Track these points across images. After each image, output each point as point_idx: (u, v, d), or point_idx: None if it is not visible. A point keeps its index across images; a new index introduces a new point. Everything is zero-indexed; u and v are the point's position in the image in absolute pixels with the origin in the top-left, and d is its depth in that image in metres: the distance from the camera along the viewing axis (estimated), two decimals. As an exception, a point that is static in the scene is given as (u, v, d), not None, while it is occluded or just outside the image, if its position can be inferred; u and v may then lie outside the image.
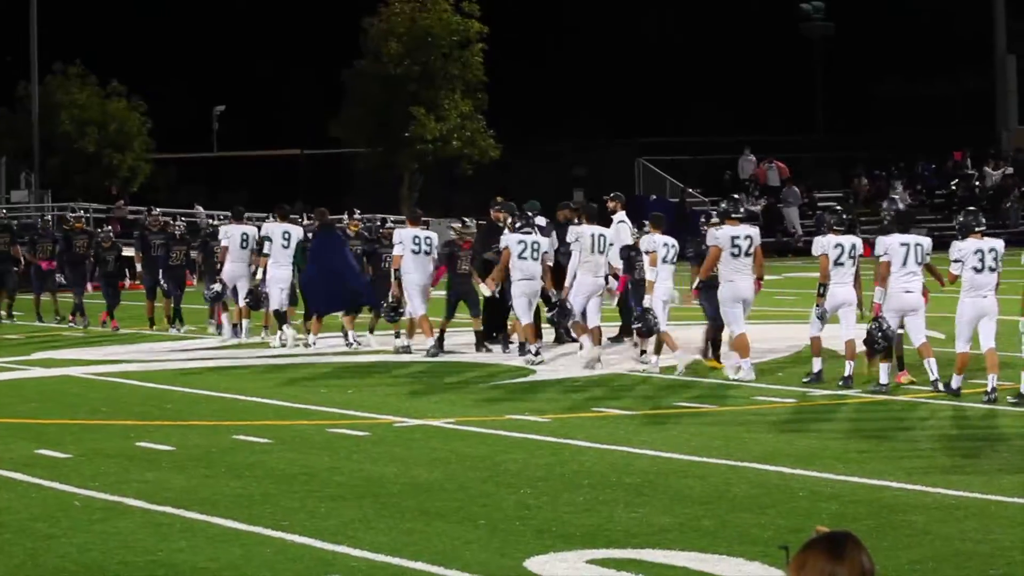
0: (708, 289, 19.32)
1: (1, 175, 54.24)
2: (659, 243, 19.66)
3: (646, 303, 19.47)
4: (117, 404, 17.57)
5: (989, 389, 16.24)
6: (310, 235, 24.42)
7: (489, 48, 53.89)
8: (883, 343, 16.95)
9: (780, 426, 15.23)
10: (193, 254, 28.47)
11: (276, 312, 24.01)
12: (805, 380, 18.07)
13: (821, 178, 55.92)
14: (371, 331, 23.71)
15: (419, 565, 9.49)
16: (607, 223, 22.38)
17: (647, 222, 20.49)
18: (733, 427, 15.03)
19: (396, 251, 22.32)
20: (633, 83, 64.82)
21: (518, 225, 21.44)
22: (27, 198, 52.66)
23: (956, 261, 16.56)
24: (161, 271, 26.92)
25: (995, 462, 12.97)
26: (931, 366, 16.98)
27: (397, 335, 22.91)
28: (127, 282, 30.23)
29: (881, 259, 17.14)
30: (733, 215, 19.15)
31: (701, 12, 65.73)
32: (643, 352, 20.38)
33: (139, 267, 28.77)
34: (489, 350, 22.29)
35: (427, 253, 22.35)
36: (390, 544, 10.02)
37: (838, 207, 20.91)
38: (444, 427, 15.25)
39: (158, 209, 31.39)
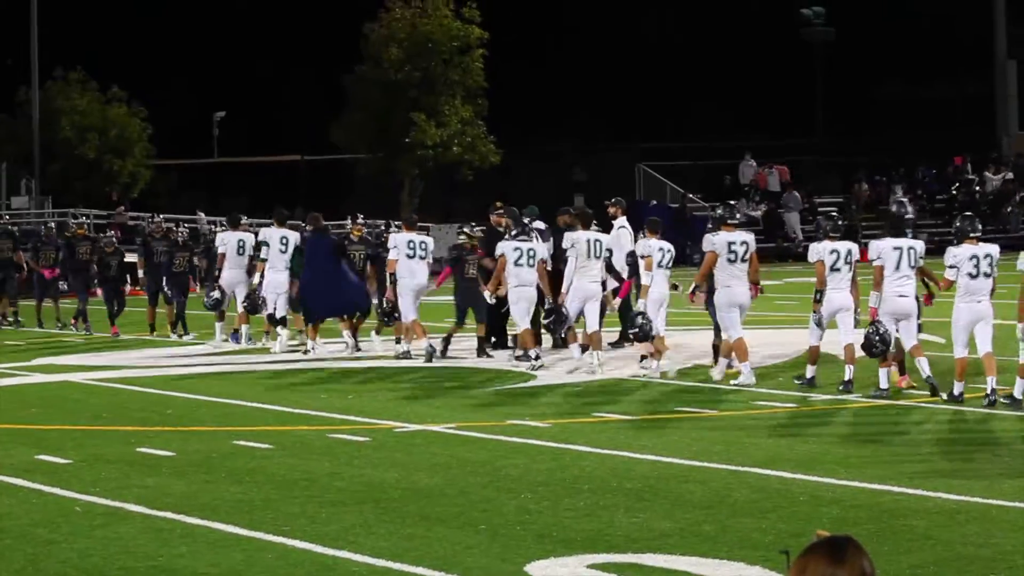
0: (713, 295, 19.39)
1: (1, 181, 54.29)
2: (654, 247, 19.75)
3: (640, 307, 19.55)
4: (118, 410, 17.57)
5: (988, 391, 16.26)
6: (299, 239, 24.40)
7: (489, 54, 53.94)
8: (881, 347, 16.98)
9: (780, 431, 15.23)
10: (196, 260, 28.48)
11: (270, 316, 24.12)
12: (796, 382, 18.12)
13: (821, 183, 55.95)
14: (377, 332, 23.74)
15: (420, 570, 9.49)
16: (608, 229, 22.42)
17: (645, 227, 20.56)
18: (733, 432, 15.03)
19: (391, 255, 22.38)
20: (633, 88, 64.88)
21: (514, 232, 21.50)
22: (27, 204, 52.71)
23: (951, 267, 16.59)
24: (164, 278, 26.94)
25: (996, 466, 12.97)
26: (922, 365, 17.11)
27: (398, 340, 22.92)
28: (127, 287, 30.20)
29: (875, 263, 17.22)
30: (729, 221, 19.25)
31: (701, 17, 65.80)
32: (643, 357, 20.38)
33: (141, 273, 28.78)
34: (490, 355, 22.29)
35: (422, 258, 22.42)
36: (391, 549, 10.01)
37: (834, 213, 20.93)
38: (445, 432, 15.25)
39: (161, 216, 31.41)
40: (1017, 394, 16.10)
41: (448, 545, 10.13)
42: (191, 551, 10.10)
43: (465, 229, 23.96)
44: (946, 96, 64.25)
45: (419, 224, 25.09)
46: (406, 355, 22.23)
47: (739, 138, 57.38)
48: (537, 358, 20.58)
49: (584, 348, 20.84)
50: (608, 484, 12.18)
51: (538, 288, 21.02)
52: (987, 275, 16.53)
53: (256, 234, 25.23)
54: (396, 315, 22.40)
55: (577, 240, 20.48)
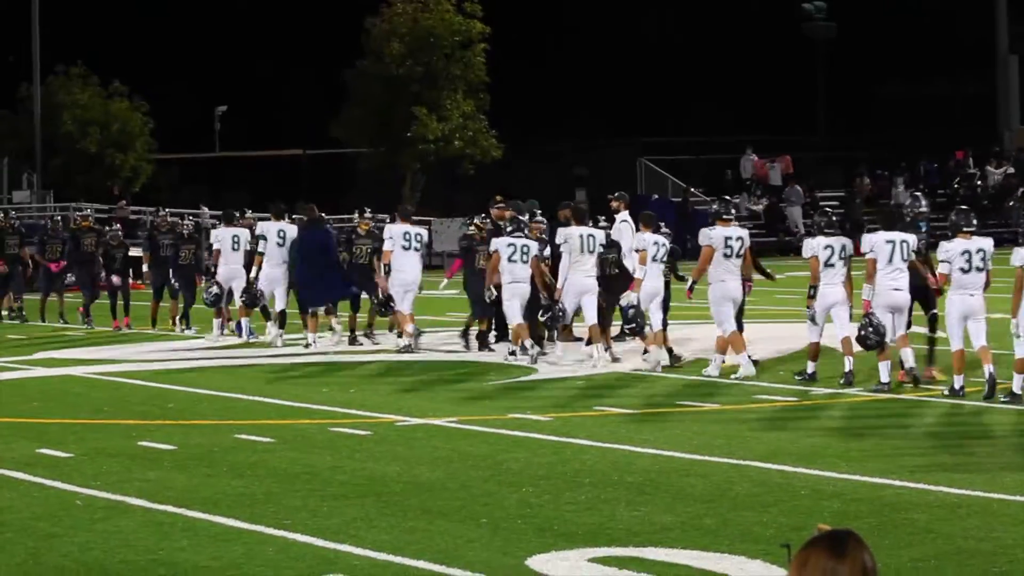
0: None
1: (3, 175, 54.25)
2: (649, 241, 19.84)
3: (633, 300, 19.61)
4: (119, 403, 17.58)
5: (987, 377, 16.26)
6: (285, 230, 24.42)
7: (491, 48, 53.89)
8: (875, 338, 17.02)
9: (782, 424, 15.23)
10: (203, 254, 28.47)
11: (263, 308, 24.18)
12: (797, 377, 18.15)
13: (823, 178, 55.89)
14: (390, 330, 23.74)
15: (421, 564, 9.49)
16: (611, 223, 22.47)
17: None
18: (735, 425, 15.03)
19: (386, 246, 22.41)
20: (635, 83, 64.79)
21: (509, 228, 21.54)
22: (29, 199, 52.68)
23: (943, 262, 16.62)
24: (171, 270, 26.94)
25: (997, 460, 12.97)
26: (907, 355, 17.27)
27: (399, 334, 22.91)
28: (130, 280, 30.14)
29: (868, 256, 17.28)
30: (724, 216, 19.33)
31: (702, 12, 65.69)
32: (646, 351, 20.39)
33: (146, 267, 28.76)
34: (492, 349, 22.29)
35: (417, 250, 22.46)
36: (392, 543, 10.02)
37: (828, 208, 21.00)
38: (446, 426, 15.25)
39: (166, 209, 31.42)
40: (1016, 389, 16.10)
41: (449, 539, 10.14)
42: (192, 544, 10.11)
43: (476, 220, 24.00)
44: (947, 93, 64.20)
45: (422, 218, 25.08)
46: (407, 349, 22.23)
47: (740, 133, 57.33)
48: (532, 347, 20.60)
49: (588, 342, 20.87)
50: (609, 478, 12.18)
51: (533, 283, 21.07)
52: (979, 269, 16.55)
53: (254, 228, 25.23)
54: (392, 305, 22.41)
55: (570, 235, 20.51)
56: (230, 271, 24.99)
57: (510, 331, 21.40)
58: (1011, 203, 52.35)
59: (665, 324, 20.38)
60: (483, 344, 22.47)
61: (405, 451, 13.74)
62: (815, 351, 18.15)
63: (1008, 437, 14.53)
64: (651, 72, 64.55)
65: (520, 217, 22.17)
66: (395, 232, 22.49)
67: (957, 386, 16.56)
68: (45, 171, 53.73)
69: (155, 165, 59.07)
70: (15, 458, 13.58)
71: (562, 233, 20.74)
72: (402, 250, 22.29)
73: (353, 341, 23.68)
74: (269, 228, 24.14)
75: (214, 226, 28.23)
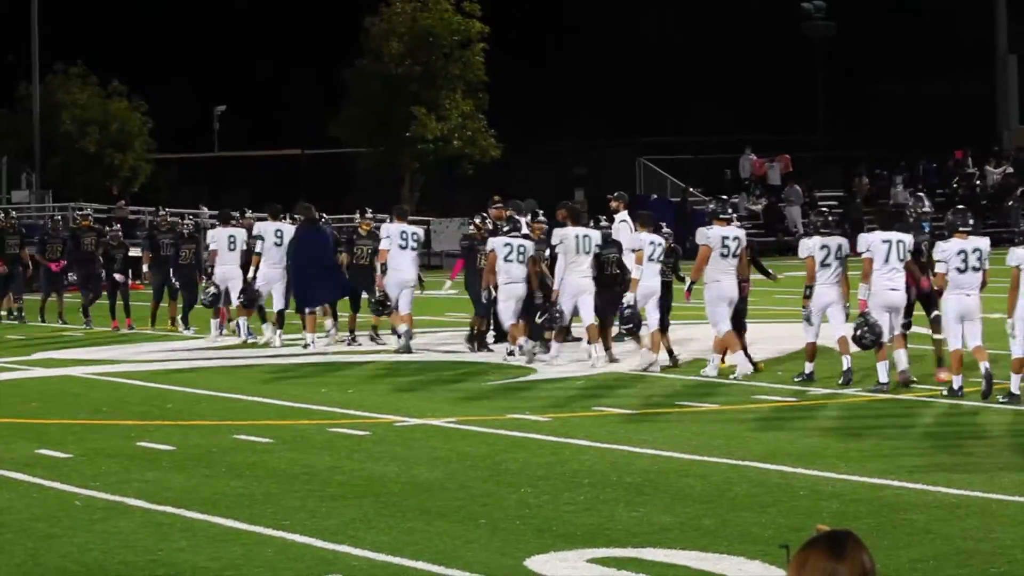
0: None
1: (2, 175, 54.24)
2: (645, 241, 19.87)
3: (629, 300, 19.64)
4: (118, 404, 17.58)
5: (984, 374, 16.28)
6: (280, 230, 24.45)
7: (490, 48, 53.89)
8: (871, 337, 17.04)
9: (781, 425, 15.23)
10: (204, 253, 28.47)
11: (260, 308, 24.20)
12: (796, 379, 18.16)
13: (821, 177, 55.90)
14: (393, 331, 23.75)
15: (420, 564, 9.49)
16: (611, 223, 22.50)
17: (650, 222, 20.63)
18: (734, 426, 15.03)
19: (383, 245, 22.45)
20: (634, 82, 64.78)
21: (505, 228, 21.58)
22: (28, 198, 52.68)
23: (940, 262, 16.63)
24: (172, 270, 26.95)
25: (995, 461, 12.97)
26: (900, 357, 17.25)
27: (398, 335, 22.90)
28: (130, 281, 30.13)
29: (864, 255, 17.32)
30: (721, 215, 19.38)
31: (702, 11, 65.69)
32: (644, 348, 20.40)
33: (146, 267, 28.79)
34: (491, 350, 22.30)
35: (414, 249, 22.50)
36: (391, 543, 10.01)
37: (824, 208, 21.03)
38: (445, 426, 15.25)
39: (166, 209, 31.43)
40: (1014, 389, 16.10)
41: (448, 539, 10.13)
42: (191, 545, 10.11)
43: (475, 220, 24.04)
44: (946, 92, 64.17)
45: (421, 218, 25.10)
46: (406, 349, 22.23)
47: (739, 133, 57.34)
48: (528, 343, 20.65)
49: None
50: (608, 478, 12.18)
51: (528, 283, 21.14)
52: (976, 269, 16.56)
53: (251, 229, 25.23)
54: (388, 304, 22.42)
55: (565, 236, 20.55)
56: (226, 271, 24.99)
57: (507, 333, 21.42)
58: (1010, 203, 52.35)
59: (666, 325, 20.38)
60: (482, 345, 22.48)
61: (404, 451, 13.74)
62: (812, 351, 18.18)
63: (1006, 437, 14.53)
64: (650, 72, 64.55)
65: (516, 216, 22.19)
66: (392, 231, 22.52)
67: (956, 386, 16.56)
68: (44, 171, 53.74)
69: (154, 165, 59.08)
70: (14, 459, 13.58)
71: (557, 234, 20.78)
72: (399, 249, 22.33)
73: (353, 341, 23.69)
74: (266, 228, 24.17)
75: (213, 226, 28.22)
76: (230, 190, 59.56)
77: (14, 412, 16.87)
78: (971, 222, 17.10)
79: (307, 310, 23.31)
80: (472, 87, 54.17)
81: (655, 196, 52.01)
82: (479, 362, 21.26)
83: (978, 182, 53.99)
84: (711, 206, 20.19)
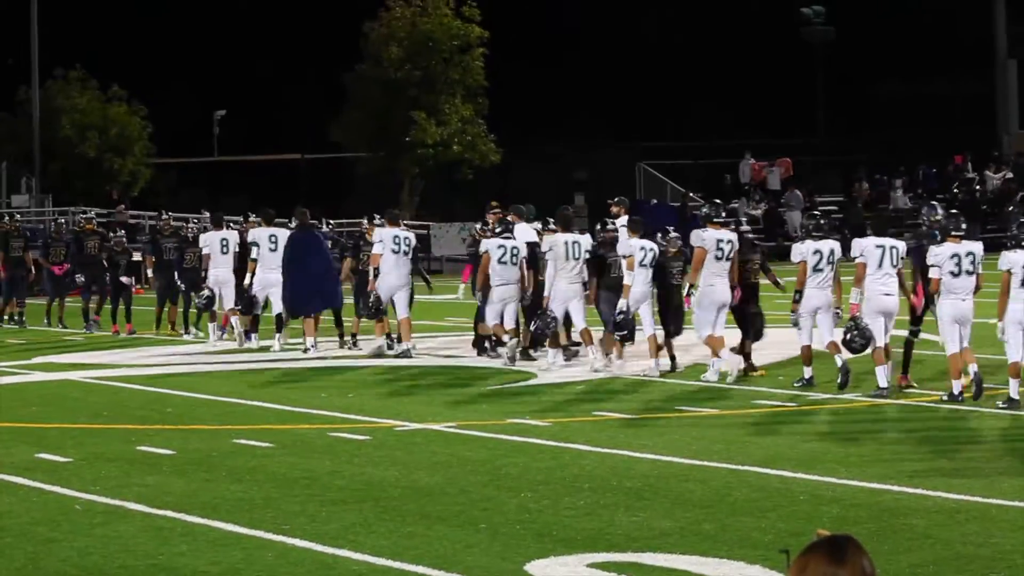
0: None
1: (2, 179, 54.23)
2: (636, 247, 19.89)
3: (622, 307, 19.66)
4: (118, 408, 17.58)
5: (973, 377, 16.29)
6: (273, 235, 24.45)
7: (489, 52, 53.92)
8: (860, 342, 17.04)
9: (781, 430, 15.24)
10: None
11: (255, 315, 24.20)
12: (796, 384, 18.16)
13: (821, 182, 55.92)
14: (389, 337, 23.75)
15: (420, 569, 9.49)
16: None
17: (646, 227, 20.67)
18: (734, 431, 15.04)
19: (375, 249, 22.48)
20: (634, 87, 64.79)
21: (498, 230, 21.65)
22: (28, 203, 52.66)
23: (932, 266, 16.63)
24: (176, 274, 26.96)
25: (995, 465, 12.98)
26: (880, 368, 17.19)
27: (398, 340, 22.90)
28: (133, 285, 30.13)
29: (857, 260, 17.34)
30: (715, 219, 19.45)
31: (702, 16, 65.71)
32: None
33: (150, 272, 28.79)
34: (492, 354, 22.30)
35: (406, 253, 22.52)
36: (391, 548, 10.02)
37: (816, 212, 21.07)
38: (445, 431, 15.25)
39: (169, 213, 31.43)
40: (1013, 394, 16.10)
41: (448, 544, 10.14)
42: (191, 549, 10.11)
43: (478, 227, 24.11)
44: (946, 95, 64.17)
45: (421, 223, 25.12)
46: (405, 354, 22.23)
47: (739, 138, 57.35)
48: (512, 339, 20.77)
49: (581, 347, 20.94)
50: (608, 483, 12.18)
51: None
52: (969, 273, 16.57)
53: (244, 232, 25.25)
54: (383, 308, 22.45)
55: (555, 243, 20.60)
56: (220, 274, 24.99)
57: (494, 330, 21.45)
58: (1010, 208, 52.34)
59: (679, 330, 20.40)
60: (481, 349, 22.49)
61: (404, 456, 13.74)
62: (807, 355, 18.18)
63: (1006, 442, 14.54)
64: (650, 76, 64.56)
65: (509, 219, 22.23)
66: (385, 236, 22.55)
67: (956, 391, 16.57)
68: (44, 175, 53.74)
69: (154, 169, 59.09)
70: (14, 463, 13.58)
71: (547, 241, 20.90)
72: (391, 254, 22.36)
73: (354, 346, 23.71)
74: (260, 234, 24.17)
75: (205, 229, 28.24)
76: (230, 194, 59.56)
77: (14, 416, 16.88)
78: (964, 226, 17.12)
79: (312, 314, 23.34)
80: (472, 92, 54.21)
81: (655, 201, 52.02)
82: (479, 367, 21.26)
83: (978, 187, 53.99)
84: (705, 210, 20.24)
